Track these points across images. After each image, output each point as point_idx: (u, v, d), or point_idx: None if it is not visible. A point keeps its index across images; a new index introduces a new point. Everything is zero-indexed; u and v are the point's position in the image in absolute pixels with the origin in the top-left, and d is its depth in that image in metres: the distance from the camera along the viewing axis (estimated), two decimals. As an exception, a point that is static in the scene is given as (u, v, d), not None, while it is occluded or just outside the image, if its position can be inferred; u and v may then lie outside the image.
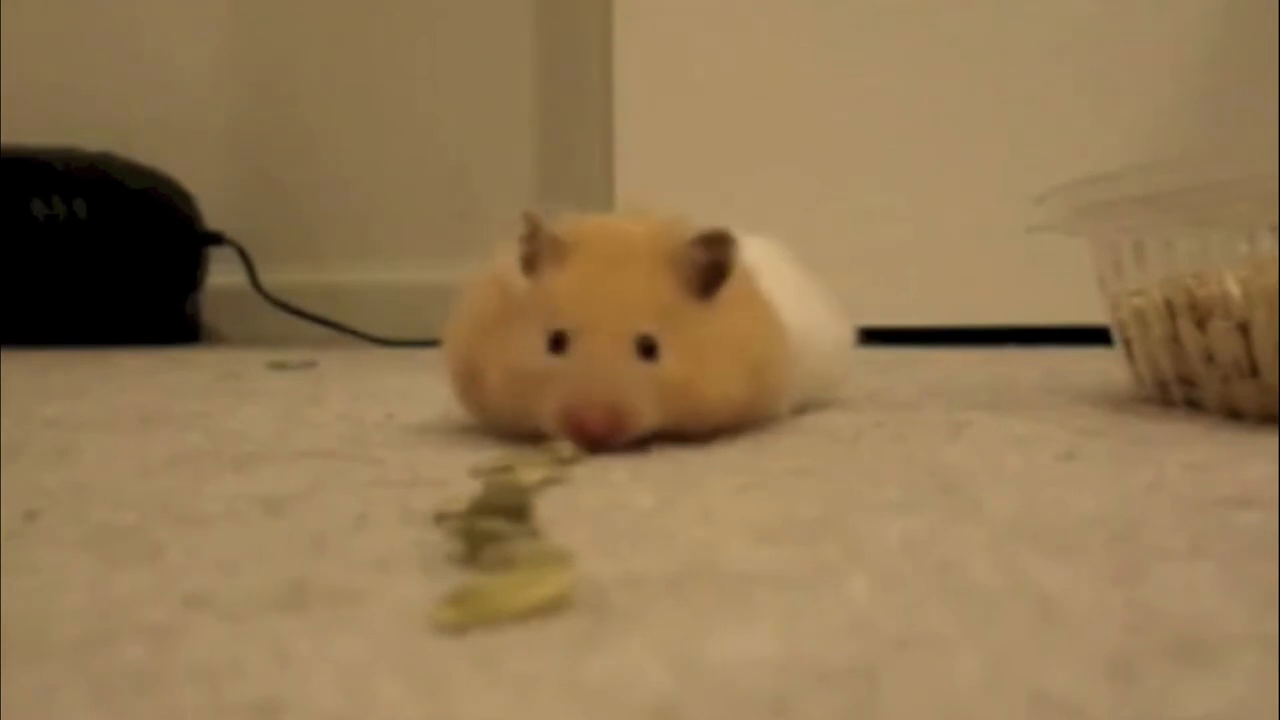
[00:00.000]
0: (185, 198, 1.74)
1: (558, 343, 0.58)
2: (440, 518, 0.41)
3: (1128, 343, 0.81)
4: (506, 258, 0.62)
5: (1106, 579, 0.33)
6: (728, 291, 0.61)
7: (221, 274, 1.77)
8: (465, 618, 0.28)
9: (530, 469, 0.50)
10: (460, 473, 0.52)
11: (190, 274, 1.74)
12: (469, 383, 0.63)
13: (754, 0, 1.59)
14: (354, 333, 1.68)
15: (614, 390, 0.57)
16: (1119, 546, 0.37)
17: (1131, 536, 0.38)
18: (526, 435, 0.58)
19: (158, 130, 1.83)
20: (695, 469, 0.53)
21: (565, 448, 0.55)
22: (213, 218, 1.76)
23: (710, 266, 0.61)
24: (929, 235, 1.55)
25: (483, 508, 0.39)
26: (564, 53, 1.73)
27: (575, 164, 1.71)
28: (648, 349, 0.58)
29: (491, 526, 0.36)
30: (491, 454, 0.54)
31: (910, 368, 1.10)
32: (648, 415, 0.58)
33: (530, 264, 0.61)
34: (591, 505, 0.45)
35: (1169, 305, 0.74)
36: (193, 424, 0.72)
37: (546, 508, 0.42)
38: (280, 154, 1.86)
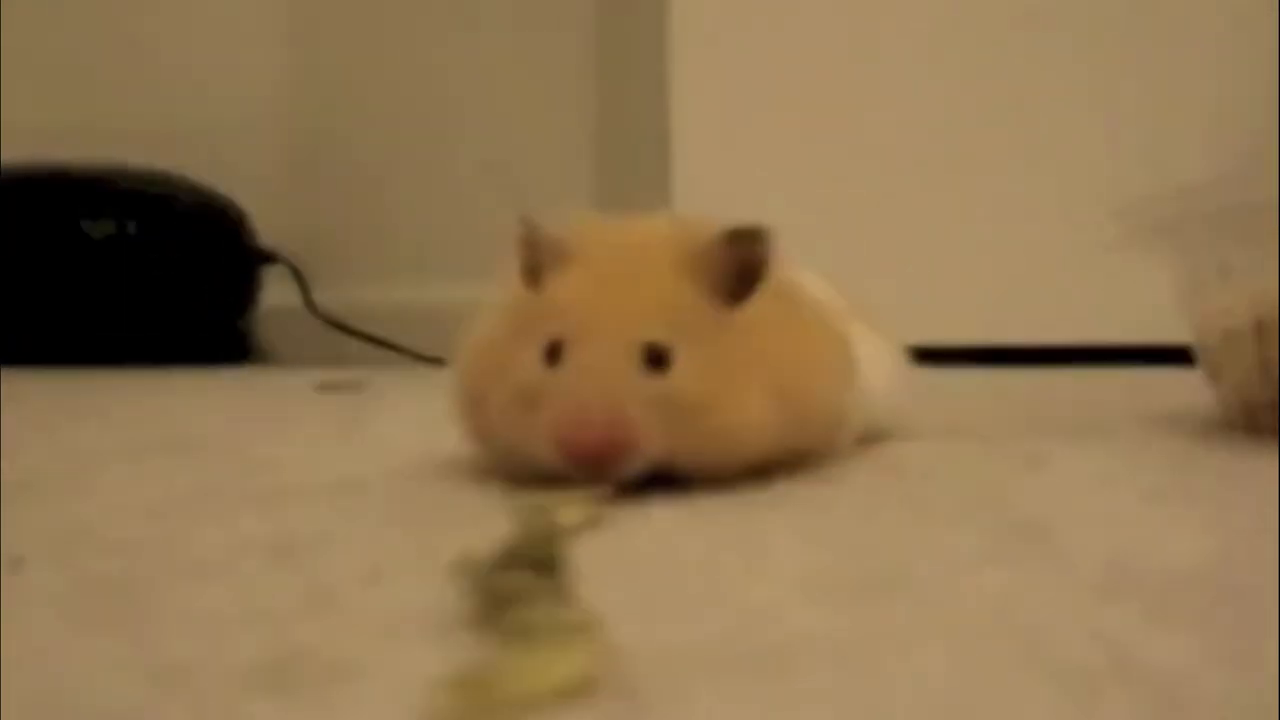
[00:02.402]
0: (239, 216, 1.71)
1: (554, 353, 0.50)
2: (462, 568, 0.37)
3: (1214, 366, 0.75)
4: (510, 272, 0.55)
5: (1222, 657, 0.28)
6: (764, 300, 0.53)
7: (276, 293, 1.74)
8: (469, 707, 0.24)
9: (570, 509, 0.46)
10: (495, 510, 0.48)
11: (243, 293, 1.72)
12: (472, 411, 0.56)
13: (813, 10, 1.54)
14: (407, 352, 1.65)
15: (613, 405, 0.48)
16: (1226, 612, 0.32)
17: (1238, 599, 0.34)
18: (547, 476, 0.50)
19: (211, 148, 1.81)
20: (750, 510, 0.48)
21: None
22: (267, 236, 1.74)
23: (740, 267, 0.52)
24: (994, 249, 1.49)
25: (509, 559, 0.35)
26: (621, 68, 1.69)
27: (634, 179, 1.67)
28: (657, 359, 0.50)
29: (513, 584, 0.32)
30: (530, 491, 0.50)
31: (976, 390, 1.05)
32: (652, 437, 0.49)
33: (532, 274, 0.54)
34: (633, 554, 0.40)
35: (1260, 326, 0.69)
36: (223, 452, 0.69)
37: (584, 556, 0.38)
38: (335, 171, 1.83)
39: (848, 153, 1.53)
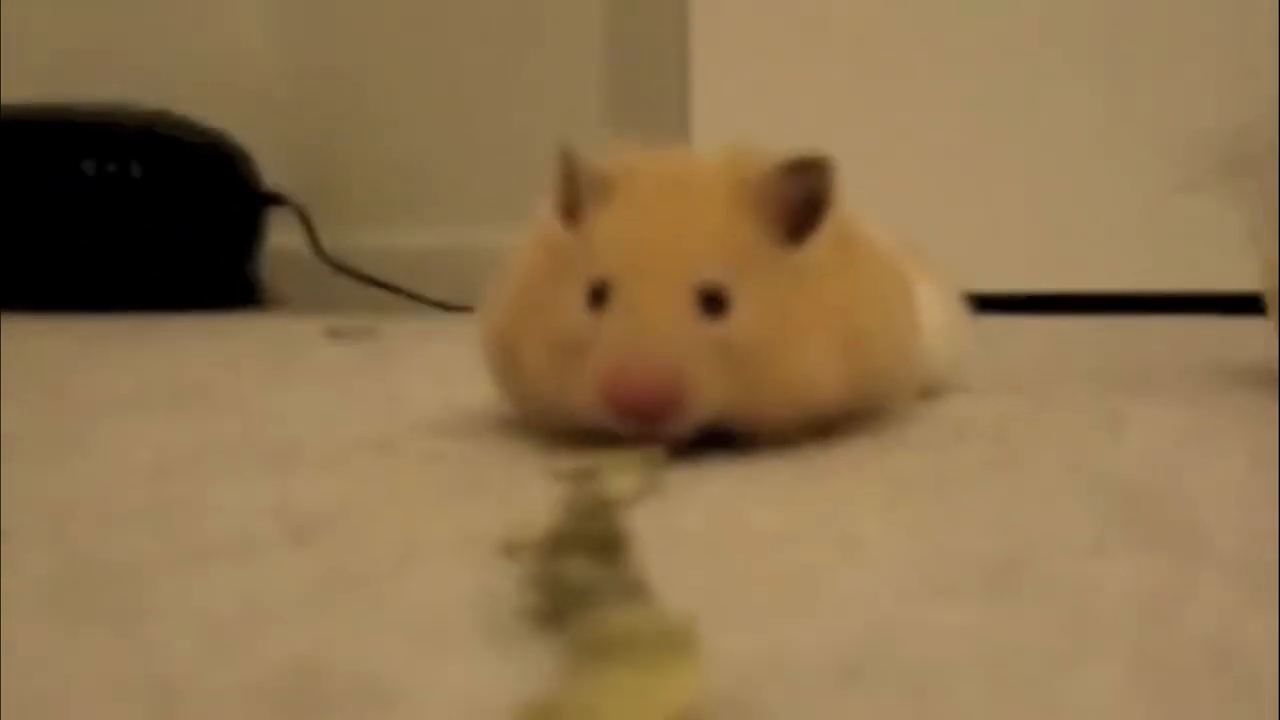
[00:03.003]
0: (243, 157, 1.65)
1: (599, 297, 0.45)
2: (510, 550, 0.32)
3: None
4: (546, 210, 0.49)
5: None
6: (826, 238, 0.48)
7: (282, 237, 1.69)
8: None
9: (619, 475, 0.41)
10: (533, 474, 0.43)
11: (249, 236, 1.67)
12: (506, 363, 0.50)
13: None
14: (417, 298, 1.60)
15: (666, 352, 0.43)
16: None
17: None
18: (588, 432, 0.45)
19: (216, 88, 1.75)
20: (822, 477, 0.43)
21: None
22: (272, 178, 1.68)
23: (802, 202, 0.47)
24: (1045, 190, 1.41)
25: (564, 540, 0.30)
26: (636, 6, 1.63)
27: (649, 121, 1.61)
28: (714, 302, 0.45)
29: (579, 576, 0.27)
30: (571, 451, 0.45)
31: (1028, 340, 0.99)
32: (710, 387, 0.44)
33: (571, 211, 0.48)
34: (698, 531, 0.35)
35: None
36: (230, 405, 0.64)
37: (643, 533, 0.32)
38: (342, 112, 1.77)
39: (887, 86, 1.44)
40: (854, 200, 0.51)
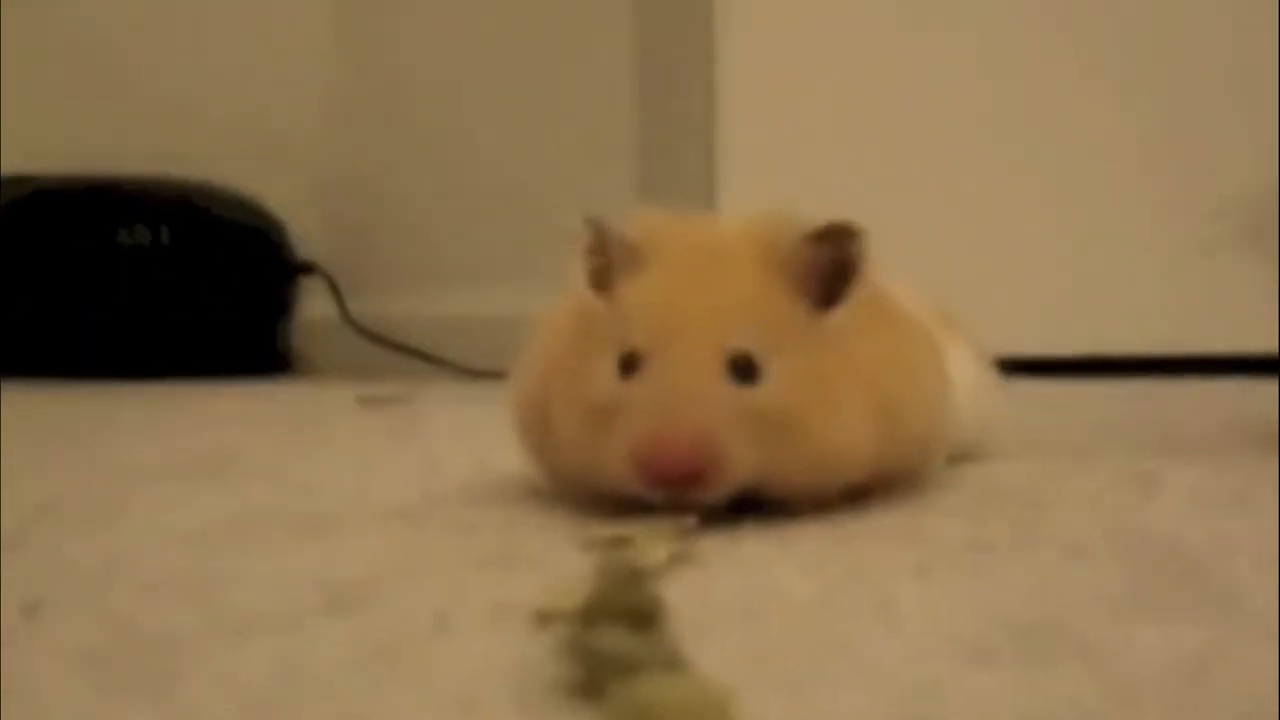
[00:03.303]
0: (276, 227, 1.67)
1: (631, 365, 0.45)
2: (544, 618, 0.32)
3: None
4: (577, 278, 0.49)
5: None
6: (856, 304, 0.47)
7: (313, 305, 1.70)
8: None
9: (652, 543, 0.41)
10: (566, 544, 0.43)
11: (280, 304, 1.68)
12: (537, 430, 0.50)
13: None
14: (448, 364, 1.61)
15: (699, 420, 0.43)
16: None
17: None
18: (620, 501, 0.45)
19: (249, 158, 1.77)
20: (855, 543, 0.43)
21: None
22: (303, 247, 1.70)
23: (831, 268, 0.47)
24: (1067, 254, 1.40)
25: (599, 609, 0.30)
26: (664, 76, 1.64)
27: (676, 188, 1.62)
28: (745, 370, 0.44)
29: (615, 645, 0.27)
30: (603, 520, 0.45)
31: (1057, 403, 0.99)
32: (743, 455, 0.44)
33: (601, 279, 0.48)
34: (732, 599, 0.35)
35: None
36: (263, 473, 0.64)
37: (677, 602, 0.32)
38: (372, 181, 1.79)
39: (915, 153, 1.43)
40: (884, 266, 0.51)
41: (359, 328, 1.66)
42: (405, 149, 1.77)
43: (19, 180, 1.60)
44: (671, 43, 1.59)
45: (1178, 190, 1.32)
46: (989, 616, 0.32)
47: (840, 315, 0.48)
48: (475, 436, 0.79)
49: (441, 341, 1.65)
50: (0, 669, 0.28)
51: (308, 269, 1.68)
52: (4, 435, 0.83)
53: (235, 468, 0.67)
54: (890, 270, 0.54)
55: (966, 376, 0.61)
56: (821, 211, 0.48)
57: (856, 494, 0.49)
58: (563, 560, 0.40)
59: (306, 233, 1.71)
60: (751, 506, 0.46)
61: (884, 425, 0.48)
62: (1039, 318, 1.38)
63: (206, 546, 0.43)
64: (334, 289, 1.67)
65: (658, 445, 0.43)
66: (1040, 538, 0.43)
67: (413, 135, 1.76)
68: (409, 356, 1.64)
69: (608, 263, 0.49)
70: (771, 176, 1.47)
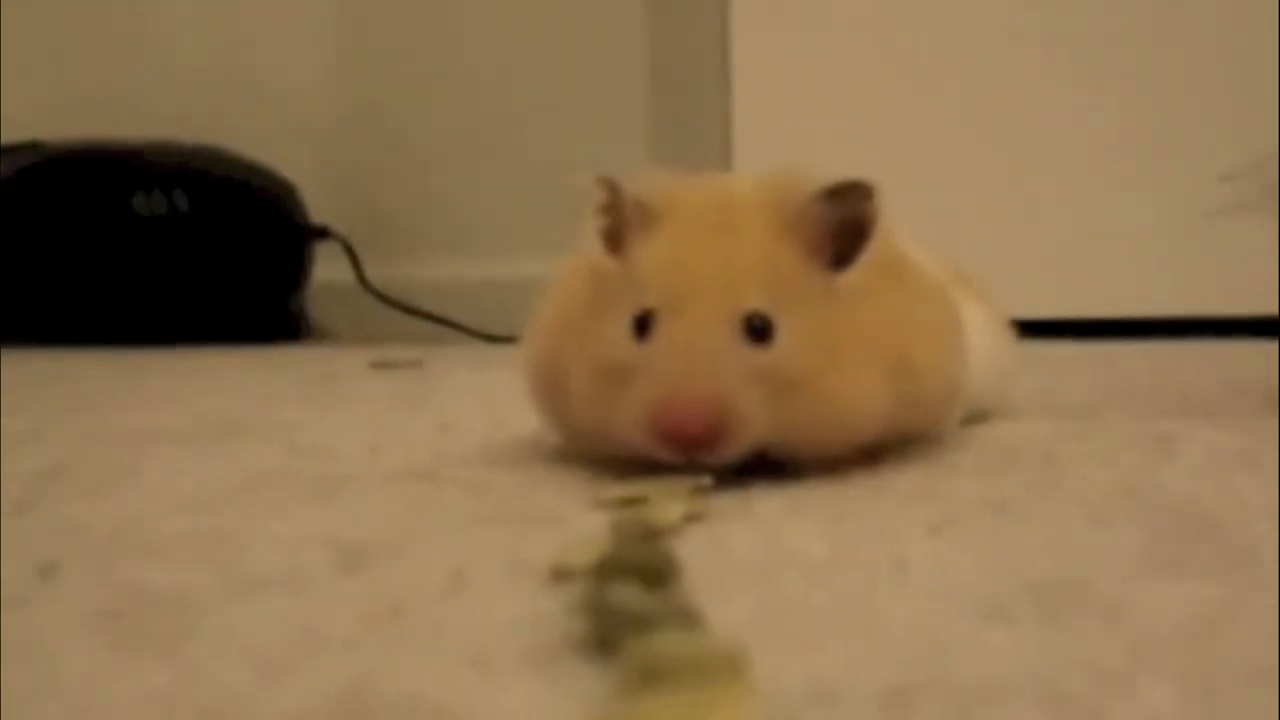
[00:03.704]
0: (289, 191, 1.67)
1: (645, 325, 0.45)
2: (559, 575, 0.32)
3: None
4: (590, 238, 0.49)
5: None
6: (870, 262, 0.47)
7: (328, 269, 1.70)
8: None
9: (667, 502, 0.41)
10: (580, 503, 0.43)
11: (295, 269, 1.68)
12: (550, 391, 0.50)
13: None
14: (462, 328, 1.61)
15: (713, 381, 0.43)
16: None
17: None
18: (633, 460, 0.45)
19: (262, 122, 1.77)
20: (868, 502, 0.43)
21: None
22: (318, 211, 1.69)
23: (844, 227, 0.47)
24: (1081, 216, 1.40)
25: (614, 567, 0.30)
26: (679, 39, 1.63)
27: (691, 149, 1.62)
28: (759, 331, 0.44)
29: (629, 602, 0.27)
30: (617, 480, 0.45)
31: (1072, 365, 0.99)
32: (757, 416, 0.44)
33: (614, 239, 0.48)
34: (745, 558, 0.35)
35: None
36: (277, 436, 0.64)
37: (691, 560, 0.32)
38: (386, 145, 1.78)
39: (929, 113, 1.43)
40: (898, 225, 0.51)
41: (374, 292, 1.66)
42: (420, 115, 1.77)
43: (30, 146, 1.60)
44: (686, 6, 1.58)
45: (1188, 153, 1.31)
46: (1004, 574, 0.32)
47: (854, 274, 0.47)
48: (489, 400, 0.79)
49: (456, 306, 1.65)
50: (14, 630, 0.28)
51: (323, 233, 1.68)
52: (19, 401, 0.83)
53: (248, 431, 0.67)
54: (907, 230, 0.54)
55: (982, 336, 0.61)
56: (836, 168, 0.48)
57: (870, 453, 0.49)
58: (577, 519, 0.40)
59: (321, 198, 1.71)
60: (765, 466, 0.46)
61: (898, 384, 0.48)
62: (1048, 281, 1.37)
63: (219, 508, 0.43)
64: (350, 253, 1.67)
65: (673, 407, 0.43)
66: (1055, 496, 0.43)
67: (427, 100, 1.76)
68: (423, 321, 1.64)
69: (621, 223, 0.49)
70: (786, 141, 1.46)
